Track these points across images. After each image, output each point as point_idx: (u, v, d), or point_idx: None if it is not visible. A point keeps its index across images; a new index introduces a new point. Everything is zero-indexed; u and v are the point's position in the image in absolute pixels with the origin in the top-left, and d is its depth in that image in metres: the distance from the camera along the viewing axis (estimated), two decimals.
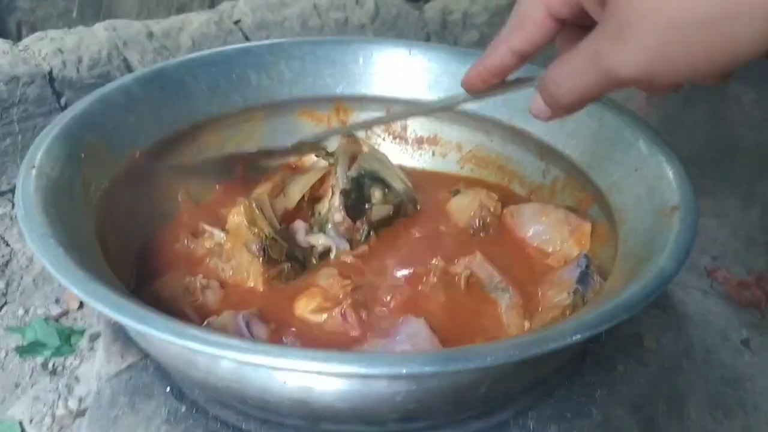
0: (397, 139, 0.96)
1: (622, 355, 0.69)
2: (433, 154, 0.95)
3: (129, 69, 1.09)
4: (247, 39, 1.21)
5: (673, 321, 0.75)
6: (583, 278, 0.68)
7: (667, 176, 0.66)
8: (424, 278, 0.71)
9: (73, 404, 0.88)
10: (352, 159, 0.82)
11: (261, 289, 0.68)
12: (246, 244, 0.68)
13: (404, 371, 0.44)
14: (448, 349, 0.46)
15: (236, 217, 0.69)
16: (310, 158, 0.90)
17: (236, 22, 1.23)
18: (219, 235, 0.71)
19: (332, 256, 0.74)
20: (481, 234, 0.80)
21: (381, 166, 0.84)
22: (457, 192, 0.85)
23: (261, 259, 0.68)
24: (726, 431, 0.73)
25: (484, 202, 0.81)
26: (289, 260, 0.70)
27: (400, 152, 0.96)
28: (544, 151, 0.85)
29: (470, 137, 0.92)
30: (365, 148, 0.84)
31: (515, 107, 0.87)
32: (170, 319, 0.47)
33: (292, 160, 0.90)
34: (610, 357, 0.69)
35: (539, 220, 0.80)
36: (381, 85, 0.93)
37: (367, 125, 0.91)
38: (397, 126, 0.95)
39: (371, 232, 0.78)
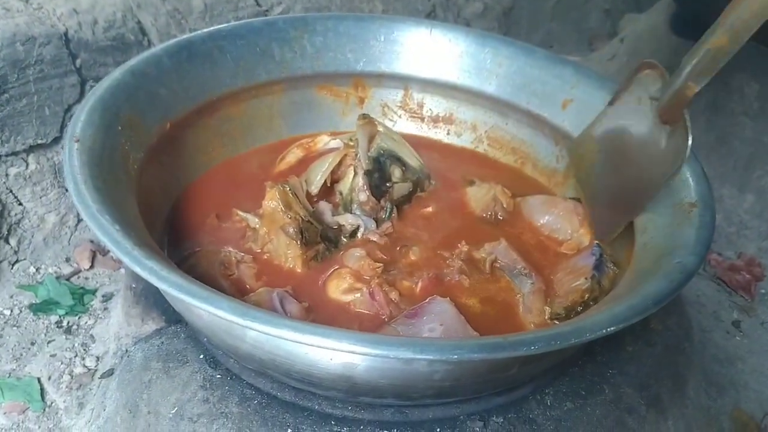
0: (413, 117, 0.98)
1: (631, 337, 0.73)
2: (449, 133, 0.98)
3: (143, 32, 1.08)
4: (258, 4, 1.21)
5: (677, 304, 0.80)
6: (599, 265, 0.72)
7: (685, 173, 0.70)
8: (448, 260, 0.74)
9: (90, 363, 0.91)
10: (370, 139, 0.84)
11: (300, 270, 0.70)
12: (283, 228, 0.70)
13: (455, 357, 0.47)
14: (496, 337, 0.50)
15: (271, 202, 0.70)
16: (322, 139, 0.91)
17: None
18: (253, 220, 0.73)
19: (359, 235, 0.76)
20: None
21: (396, 144, 0.86)
22: (472, 183, 0.88)
23: (299, 242, 0.70)
24: (719, 408, 0.79)
25: (498, 197, 0.84)
26: (323, 241, 0.73)
27: (416, 130, 0.98)
28: (560, 137, 0.88)
29: (485, 118, 0.95)
30: (380, 128, 0.86)
31: (532, 92, 0.90)
32: (235, 301, 0.49)
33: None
34: (620, 338, 0.73)
35: (549, 211, 0.83)
36: (400, 63, 0.95)
37: None
38: (413, 104, 0.98)
39: (394, 209, 0.81)
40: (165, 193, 0.77)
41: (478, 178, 0.88)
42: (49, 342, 0.93)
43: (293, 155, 0.90)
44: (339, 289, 0.69)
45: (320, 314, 0.67)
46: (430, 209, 0.84)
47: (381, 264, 0.71)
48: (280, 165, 0.88)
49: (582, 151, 0.81)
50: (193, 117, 0.83)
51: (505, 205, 0.84)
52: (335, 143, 0.90)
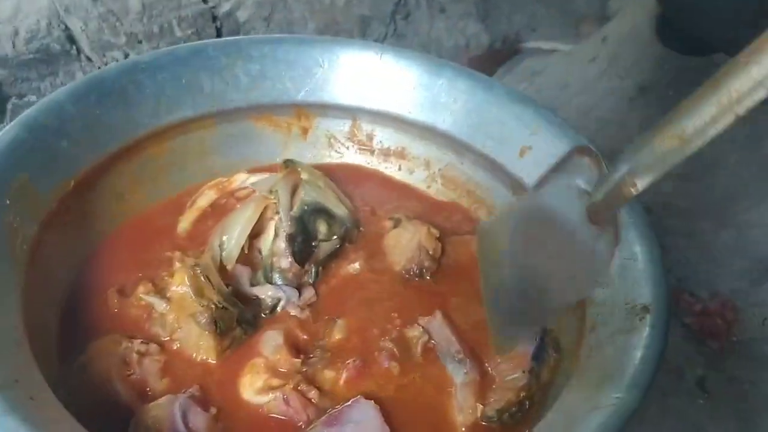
0: (363, 150, 0.89)
1: None
2: (400, 169, 0.89)
3: (71, 40, 0.98)
4: (203, 2, 1.10)
5: None
6: (539, 354, 0.66)
7: (641, 267, 0.62)
8: (380, 342, 0.67)
9: None
10: (293, 191, 0.75)
11: (214, 362, 0.64)
12: (194, 316, 0.62)
13: None
14: None
15: (180, 287, 0.63)
16: (239, 177, 0.83)
17: None
18: (160, 304, 0.65)
19: (279, 308, 0.69)
20: (417, 279, 0.75)
21: (321, 193, 0.77)
22: (398, 222, 0.79)
23: (212, 332, 0.62)
24: None
25: (423, 244, 0.76)
26: (240, 324, 0.65)
27: (365, 163, 0.89)
28: (516, 186, 0.80)
29: (440, 155, 0.86)
30: (303, 175, 0.77)
31: (489, 134, 0.81)
32: None
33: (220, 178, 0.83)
34: None
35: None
36: (346, 92, 0.86)
37: None
38: (362, 135, 0.89)
39: (320, 272, 0.74)
40: (67, 264, 0.69)
41: (405, 215, 0.80)
42: None
43: (205, 198, 0.81)
44: (253, 388, 0.62)
45: (230, 422, 0.60)
46: (356, 266, 0.76)
47: (299, 359, 0.64)
48: (190, 210, 0.80)
49: (493, 238, 0.67)
50: (105, 166, 0.74)
51: (431, 252, 0.76)
52: (254, 180, 0.82)
